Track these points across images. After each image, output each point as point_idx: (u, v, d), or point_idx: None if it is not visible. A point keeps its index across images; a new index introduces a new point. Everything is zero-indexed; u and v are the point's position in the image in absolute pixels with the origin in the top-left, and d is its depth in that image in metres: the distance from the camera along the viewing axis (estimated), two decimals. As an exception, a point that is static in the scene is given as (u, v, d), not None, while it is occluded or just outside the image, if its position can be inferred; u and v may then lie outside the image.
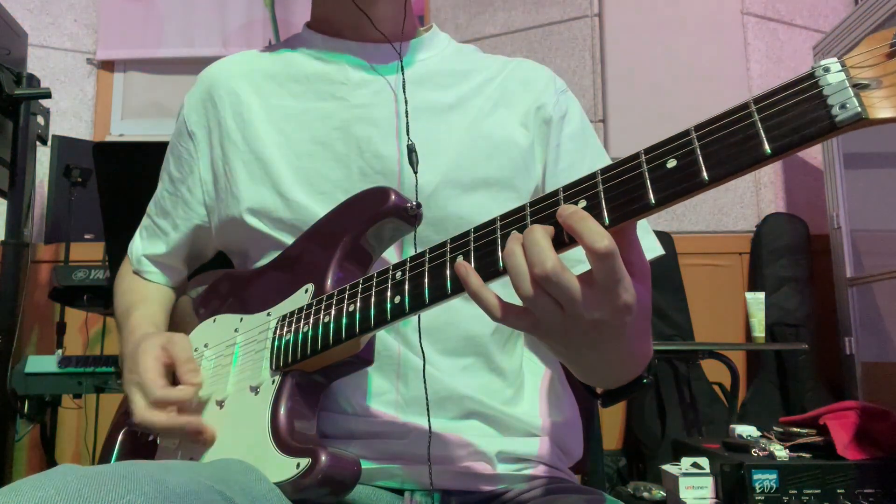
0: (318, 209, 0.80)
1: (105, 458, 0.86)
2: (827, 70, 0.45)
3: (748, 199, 3.01)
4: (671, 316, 2.81)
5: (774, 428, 2.00)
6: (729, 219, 3.00)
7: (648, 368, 0.63)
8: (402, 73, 0.86)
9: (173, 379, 0.77)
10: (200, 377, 0.76)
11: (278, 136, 0.86)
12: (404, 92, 0.84)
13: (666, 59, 3.04)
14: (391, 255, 0.81)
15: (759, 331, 2.66)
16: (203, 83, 0.93)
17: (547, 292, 0.52)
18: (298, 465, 0.63)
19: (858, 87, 0.43)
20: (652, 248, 0.83)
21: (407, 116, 0.82)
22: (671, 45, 3.05)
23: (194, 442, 0.74)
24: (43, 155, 2.79)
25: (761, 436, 1.97)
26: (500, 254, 0.55)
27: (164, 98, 3.44)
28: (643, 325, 0.57)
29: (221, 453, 0.71)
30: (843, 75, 0.44)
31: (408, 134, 0.81)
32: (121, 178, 1.36)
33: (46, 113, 2.52)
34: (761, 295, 2.70)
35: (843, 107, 0.43)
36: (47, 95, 2.32)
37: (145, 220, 0.98)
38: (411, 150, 0.79)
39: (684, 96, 2.91)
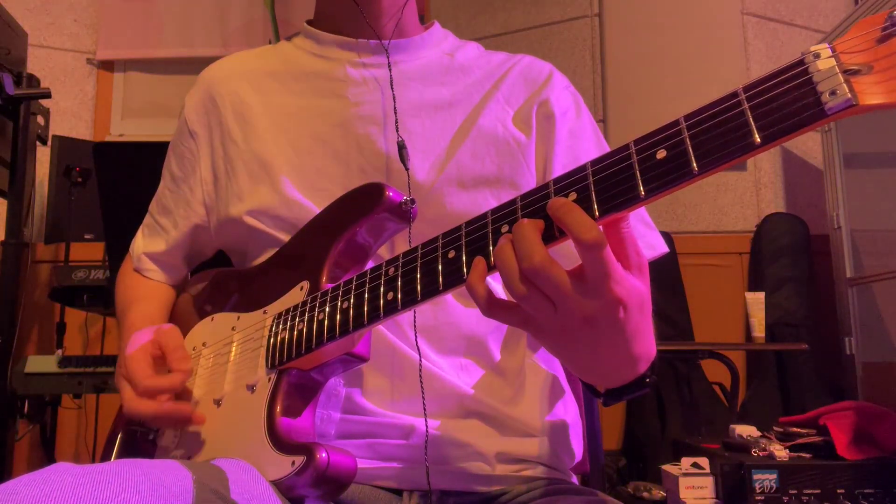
0: (318, 207, 0.80)
1: (106, 458, 0.86)
2: (817, 56, 0.44)
3: (748, 199, 3.00)
4: (671, 316, 2.80)
5: (774, 428, 2.00)
6: (729, 219, 2.99)
7: (652, 367, 0.62)
8: (390, 71, 0.86)
9: (166, 369, 0.77)
10: (190, 364, 0.76)
11: (278, 134, 0.86)
12: (391, 89, 0.84)
13: (666, 59, 3.03)
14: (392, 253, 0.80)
15: (759, 331, 2.66)
16: (203, 83, 0.94)
17: (537, 287, 0.51)
18: (293, 462, 0.63)
19: (849, 72, 0.42)
20: (655, 245, 0.83)
21: (395, 114, 0.82)
22: (671, 45, 3.05)
23: (185, 430, 0.74)
24: (43, 155, 2.78)
25: (761, 436, 1.96)
26: (490, 248, 0.55)
27: (164, 98, 3.44)
28: (641, 322, 0.56)
29: (218, 452, 0.71)
30: (833, 61, 0.43)
31: (397, 131, 0.81)
32: (121, 178, 1.36)
33: (46, 113, 2.52)
34: (761, 295, 2.70)
35: (833, 93, 0.42)
36: (47, 95, 2.32)
37: (147, 218, 0.98)
38: (401, 148, 0.79)
39: (684, 96, 2.90)
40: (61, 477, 0.49)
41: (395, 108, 0.83)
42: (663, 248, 0.83)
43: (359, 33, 0.89)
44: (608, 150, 0.89)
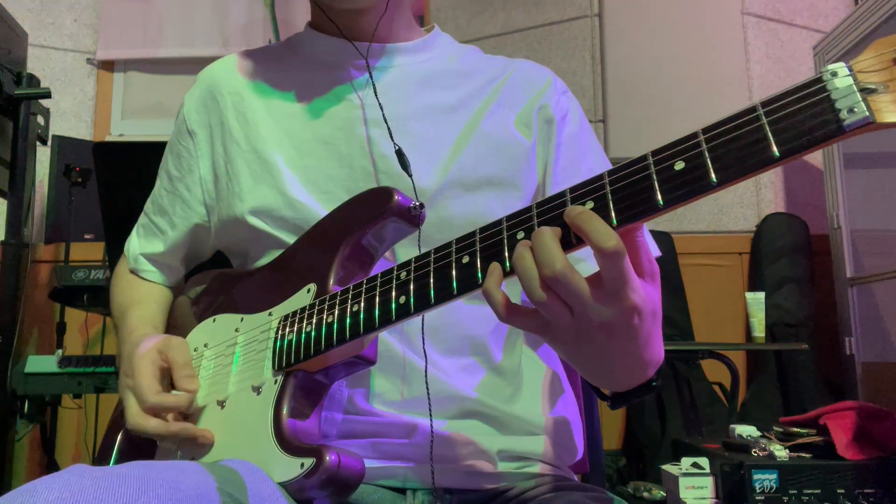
0: (321, 209, 0.80)
1: (103, 458, 0.86)
2: (835, 74, 0.45)
3: (748, 199, 3.01)
4: (671, 316, 2.81)
5: (774, 428, 2.00)
6: (729, 219, 3.00)
7: (658, 372, 0.63)
8: (371, 76, 0.86)
9: (170, 383, 0.76)
10: (197, 384, 0.76)
11: (281, 135, 0.86)
12: (376, 95, 0.84)
13: (666, 59, 3.04)
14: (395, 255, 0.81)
15: (759, 331, 2.66)
16: (203, 82, 0.93)
17: (556, 294, 0.52)
18: (302, 464, 0.63)
19: (866, 91, 0.44)
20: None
21: (386, 122, 0.82)
22: (671, 45, 3.05)
23: (189, 448, 0.74)
24: (43, 155, 2.78)
25: (761, 436, 1.96)
26: (505, 255, 0.55)
27: (164, 98, 3.44)
28: (653, 329, 0.57)
29: (223, 453, 0.71)
30: (850, 80, 0.44)
31: (391, 138, 0.81)
32: (121, 178, 1.35)
33: (46, 113, 2.52)
34: (761, 295, 2.70)
35: (851, 111, 0.44)
36: (47, 95, 2.32)
37: (142, 219, 0.97)
38: (400, 155, 0.79)
39: (684, 96, 2.91)
40: (80, 479, 0.49)
41: (383, 115, 0.83)
42: (655, 252, 0.84)
43: (358, 36, 0.89)
44: (603, 154, 0.91)
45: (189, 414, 0.77)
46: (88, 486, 0.48)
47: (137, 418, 0.73)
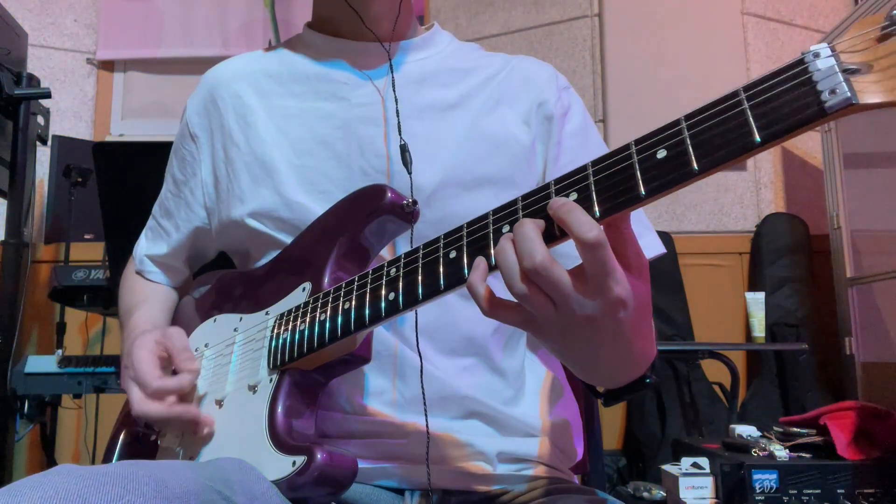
0: (319, 208, 0.80)
1: (107, 459, 0.86)
2: (817, 55, 0.44)
3: (748, 199, 3.01)
4: (671, 316, 2.80)
5: (774, 428, 2.00)
6: (729, 219, 3.00)
7: (652, 368, 0.62)
8: (392, 73, 0.86)
9: (171, 371, 0.77)
10: (197, 364, 0.76)
11: (279, 136, 0.86)
12: (394, 91, 0.84)
13: (666, 59, 3.04)
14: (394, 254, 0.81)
15: (759, 331, 2.66)
16: (205, 86, 0.94)
17: (538, 287, 0.51)
18: (294, 462, 0.63)
19: (848, 72, 0.43)
20: (653, 246, 0.83)
21: (398, 116, 0.82)
22: (671, 45, 3.05)
23: (192, 433, 0.74)
24: (43, 155, 2.79)
25: (761, 436, 1.96)
26: (491, 249, 0.55)
27: (165, 98, 3.44)
28: (642, 323, 0.57)
29: (220, 452, 0.72)
30: (832, 60, 0.43)
31: (400, 134, 0.81)
32: (121, 178, 1.36)
33: (46, 113, 2.52)
34: (761, 295, 2.70)
35: (832, 92, 0.43)
36: (47, 95, 2.32)
37: (150, 221, 0.99)
38: (404, 150, 0.79)
39: (684, 96, 2.90)
40: (65, 479, 0.49)
41: (397, 110, 0.83)
42: (661, 249, 0.84)
43: (358, 35, 0.89)
44: (606, 150, 0.90)
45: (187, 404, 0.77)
46: (73, 485, 0.49)
47: (141, 405, 0.74)
